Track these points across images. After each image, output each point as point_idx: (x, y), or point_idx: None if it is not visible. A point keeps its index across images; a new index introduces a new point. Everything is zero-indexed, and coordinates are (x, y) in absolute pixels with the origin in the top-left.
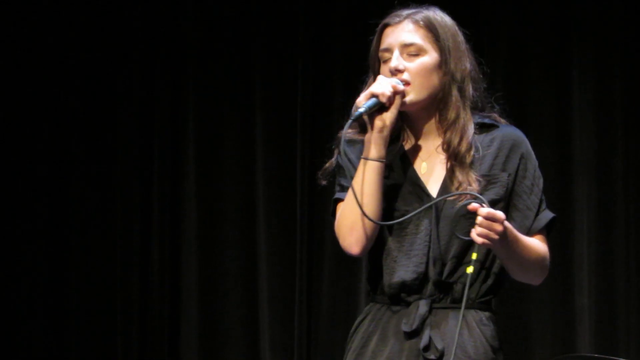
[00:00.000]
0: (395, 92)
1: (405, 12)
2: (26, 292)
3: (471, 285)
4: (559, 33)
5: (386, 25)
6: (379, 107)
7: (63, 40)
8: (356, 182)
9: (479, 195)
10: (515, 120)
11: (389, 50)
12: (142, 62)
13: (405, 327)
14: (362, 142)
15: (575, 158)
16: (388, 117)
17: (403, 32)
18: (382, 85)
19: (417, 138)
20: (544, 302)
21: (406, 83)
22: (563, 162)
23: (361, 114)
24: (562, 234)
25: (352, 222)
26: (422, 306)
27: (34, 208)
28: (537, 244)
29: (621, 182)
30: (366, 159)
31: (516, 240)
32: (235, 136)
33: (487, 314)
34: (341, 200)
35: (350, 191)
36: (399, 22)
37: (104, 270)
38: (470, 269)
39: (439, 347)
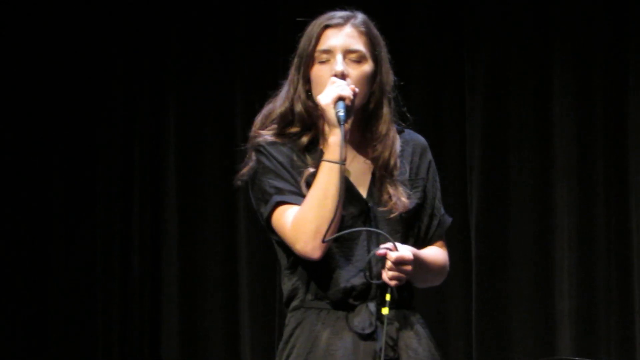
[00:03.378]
0: (354, 95)
1: (341, 14)
2: (6, 295)
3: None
4: (540, 37)
5: (327, 27)
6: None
7: (46, 45)
8: (320, 185)
9: (388, 237)
10: (496, 124)
11: (329, 52)
12: (124, 68)
13: (358, 329)
14: (283, 144)
15: (555, 162)
16: (350, 120)
17: (347, 37)
18: (345, 89)
19: None
20: (525, 305)
21: None
22: (543, 167)
23: (347, 119)
24: (542, 238)
25: (318, 226)
26: (373, 309)
27: (15, 214)
28: (439, 256)
29: (602, 187)
30: (333, 162)
31: (424, 264)
32: (216, 140)
33: (418, 314)
34: (285, 203)
35: (312, 194)
36: (341, 25)
37: (85, 273)
38: (385, 310)
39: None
